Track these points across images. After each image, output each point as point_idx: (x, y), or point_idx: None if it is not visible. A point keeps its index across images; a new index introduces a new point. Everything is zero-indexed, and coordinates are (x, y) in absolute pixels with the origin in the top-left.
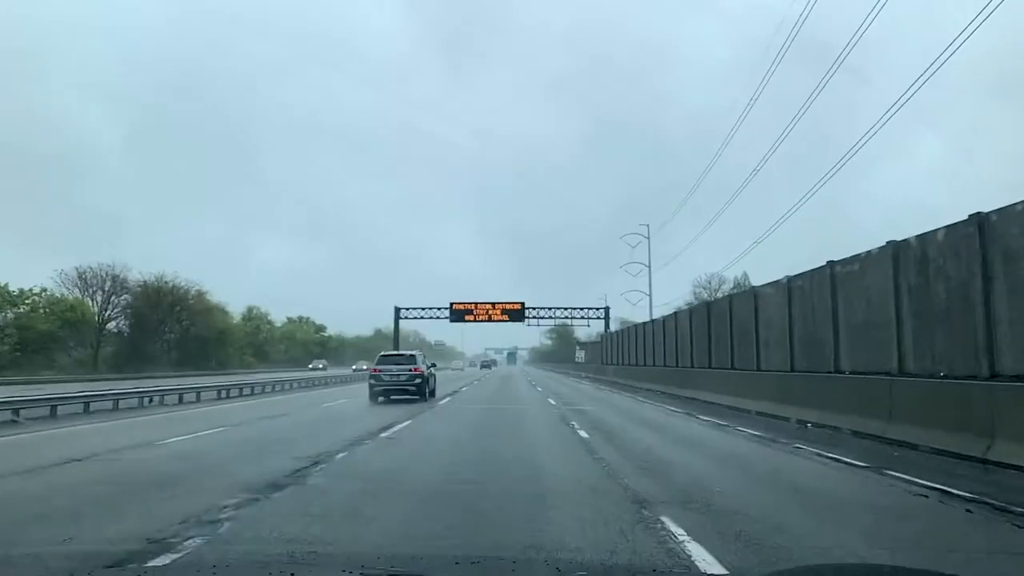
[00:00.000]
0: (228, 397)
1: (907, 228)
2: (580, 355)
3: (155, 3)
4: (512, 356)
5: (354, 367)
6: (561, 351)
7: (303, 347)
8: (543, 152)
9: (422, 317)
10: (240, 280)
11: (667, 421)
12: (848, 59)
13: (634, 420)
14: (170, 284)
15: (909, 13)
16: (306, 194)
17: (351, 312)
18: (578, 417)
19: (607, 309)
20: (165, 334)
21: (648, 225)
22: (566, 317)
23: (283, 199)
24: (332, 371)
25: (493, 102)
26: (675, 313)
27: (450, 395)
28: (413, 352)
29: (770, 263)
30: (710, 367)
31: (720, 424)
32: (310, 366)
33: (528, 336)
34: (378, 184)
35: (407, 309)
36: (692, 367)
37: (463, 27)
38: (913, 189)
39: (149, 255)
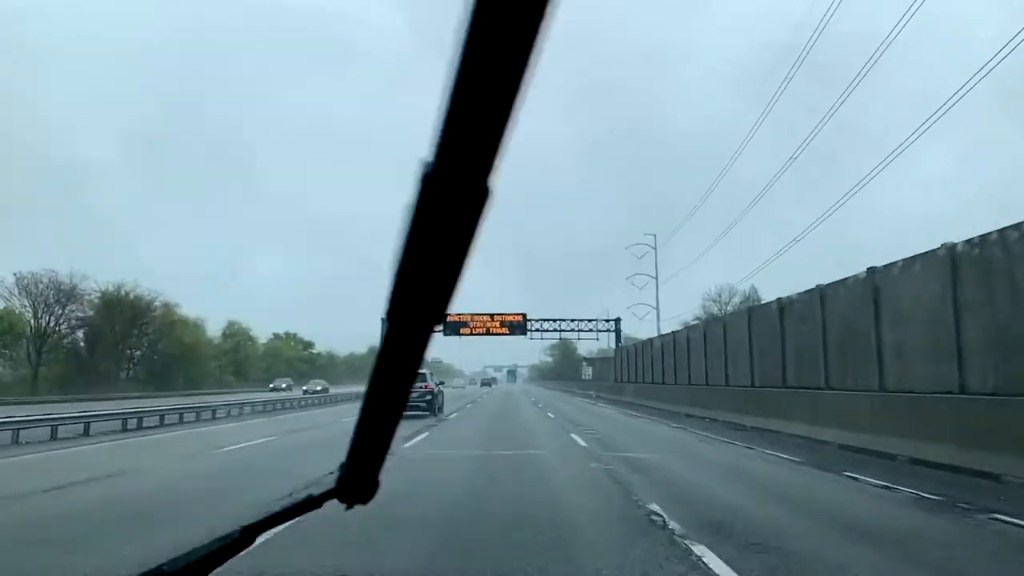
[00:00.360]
0: (138, 428)
1: (911, 244)
2: (587, 372)
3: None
4: (512, 374)
5: (305, 388)
6: (563, 368)
7: (288, 365)
8: (545, 165)
9: None
10: (231, 297)
11: (835, 500)
12: (856, 64)
13: (766, 495)
14: (130, 295)
15: (922, 19)
16: (300, 207)
17: (346, 329)
18: (652, 487)
19: (618, 320)
20: (126, 350)
21: (655, 235)
22: (572, 330)
23: (277, 213)
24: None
25: None
26: (722, 318)
27: (430, 427)
28: (423, 371)
29: (771, 280)
30: (785, 386)
31: (931, 499)
32: (271, 386)
33: (527, 353)
34: (375, 197)
35: None
36: (753, 386)
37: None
38: (914, 203)
39: (133, 268)
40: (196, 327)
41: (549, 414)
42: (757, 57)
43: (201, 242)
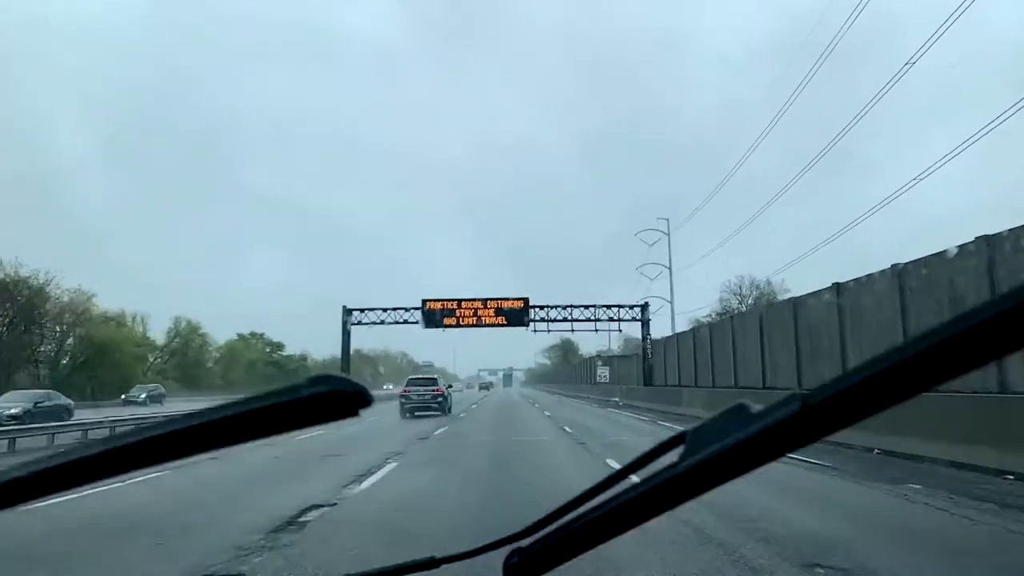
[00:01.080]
0: None
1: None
2: (603, 373)
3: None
4: (508, 378)
5: (125, 396)
6: (564, 371)
7: (249, 368)
8: (543, 158)
9: (383, 321)
10: (207, 301)
11: None
12: (876, 52)
13: None
14: (10, 278)
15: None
16: (286, 204)
17: (330, 331)
18: None
19: (645, 307)
20: (21, 350)
21: (668, 219)
22: (587, 319)
23: (261, 210)
24: (182, 404)
25: (489, 104)
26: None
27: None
28: (435, 376)
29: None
30: None
31: None
32: (124, 396)
33: (525, 357)
34: (366, 194)
35: (361, 311)
36: None
37: (460, 24)
38: (928, 196)
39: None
40: (118, 323)
41: (610, 461)
42: (767, 43)
43: (175, 240)
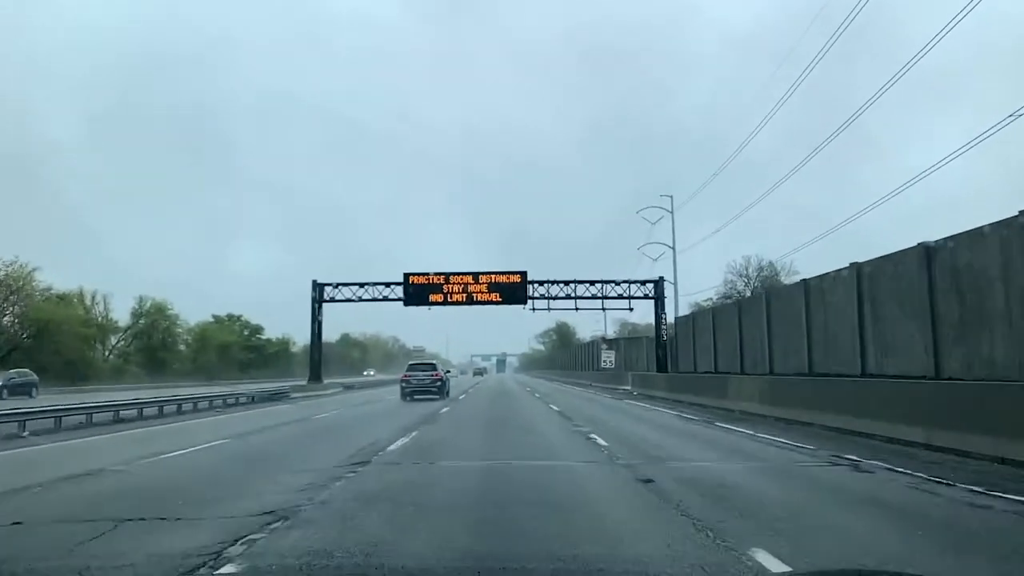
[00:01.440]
0: None
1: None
2: (608, 358)
3: None
4: (502, 363)
5: None
6: (560, 356)
7: (223, 353)
8: (542, 139)
9: (360, 298)
10: (192, 284)
11: None
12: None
13: None
14: None
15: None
16: (275, 186)
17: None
18: None
19: (660, 282)
20: None
21: (671, 197)
22: (593, 296)
23: (249, 192)
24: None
25: (484, 88)
26: None
27: None
28: (433, 361)
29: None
30: None
31: None
32: None
33: (518, 343)
34: (357, 175)
35: (335, 286)
36: None
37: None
38: (929, 186)
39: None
40: (63, 300)
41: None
42: (775, 21)
43: (157, 223)
